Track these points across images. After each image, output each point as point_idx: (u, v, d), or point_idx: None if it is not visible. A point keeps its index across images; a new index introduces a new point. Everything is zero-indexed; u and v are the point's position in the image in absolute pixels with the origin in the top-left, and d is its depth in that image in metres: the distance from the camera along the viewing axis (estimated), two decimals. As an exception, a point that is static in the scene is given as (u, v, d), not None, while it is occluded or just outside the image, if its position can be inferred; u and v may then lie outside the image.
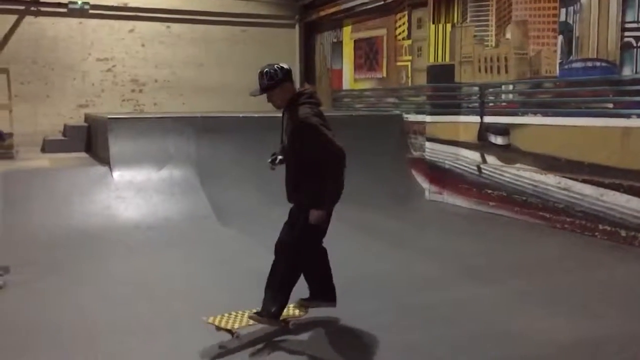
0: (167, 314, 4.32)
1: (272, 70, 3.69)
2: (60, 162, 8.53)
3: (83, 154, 9.69)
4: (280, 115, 3.93)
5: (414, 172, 9.56)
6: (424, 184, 9.34)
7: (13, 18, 10.76)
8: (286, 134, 3.79)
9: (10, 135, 4.49)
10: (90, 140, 10.00)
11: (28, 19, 10.80)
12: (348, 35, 11.71)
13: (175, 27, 12.06)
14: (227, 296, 4.61)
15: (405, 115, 9.92)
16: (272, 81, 3.68)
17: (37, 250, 5.91)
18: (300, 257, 3.84)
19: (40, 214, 6.68)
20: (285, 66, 3.76)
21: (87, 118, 10.76)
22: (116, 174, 7.60)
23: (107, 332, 3.96)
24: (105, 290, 4.83)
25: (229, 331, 3.69)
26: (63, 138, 10.42)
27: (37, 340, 3.86)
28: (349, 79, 11.75)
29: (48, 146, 10.00)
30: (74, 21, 11.17)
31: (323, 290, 4.07)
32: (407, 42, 9.93)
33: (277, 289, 3.77)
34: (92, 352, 3.68)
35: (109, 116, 8.32)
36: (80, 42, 11.29)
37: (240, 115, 9.10)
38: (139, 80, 11.89)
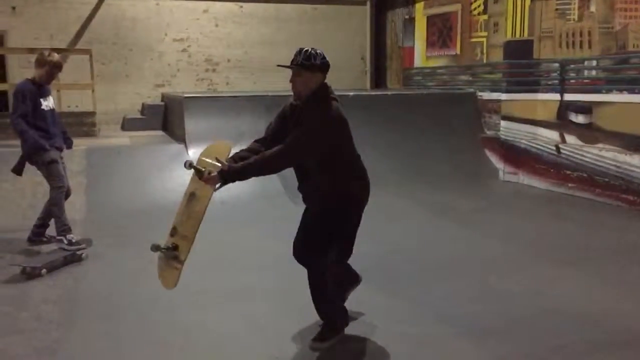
0: (242, 287, 4.45)
1: (313, 52, 3.36)
2: (139, 140, 8.87)
3: (160, 132, 10.03)
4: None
5: (487, 152, 9.30)
6: (498, 164, 9.08)
7: (95, 0, 11.19)
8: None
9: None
10: (167, 118, 10.32)
11: (108, 0, 11.21)
12: (420, 11, 11.44)
13: (248, 6, 12.18)
14: (300, 271, 4.67)
15: (479, 93, 9.63)
16: (309, 62, 3.32)
17: (119, 223, 6.20)
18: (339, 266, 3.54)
19: (121, 189, 6.98)
20: (327, 59, 3.42)
21: (164, 97, 11.11)
22: (191, 152, 7.82)
23: (183, 303, 4.11)
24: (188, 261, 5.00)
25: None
26: (141, 116, 10.81)
27: (118, 308, 4.06)
28: (420, 57, 11.51)
29: (128, 124, 10.42)
30: (151, 2, 11.49)
31: (347, 277, 3.77)
32: (483, 17, 9.60)
33: (331, 301, 3.50)
34: (169, 320, 3.85)
35: (185, 95, 8.56)
36: (157, 23, 11.62)
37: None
38: (212, 60, 12.13)
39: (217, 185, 3.24)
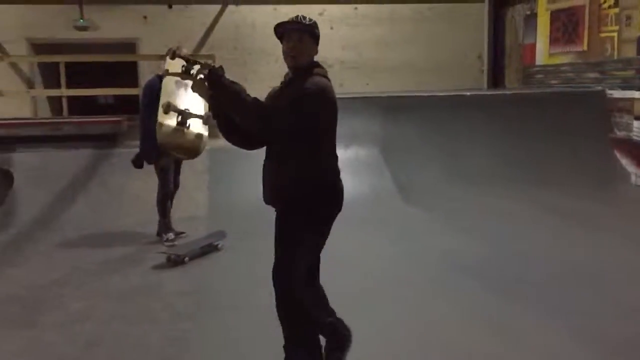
0: (358, 288, 4.44)
1: (314, 21, 3.04)
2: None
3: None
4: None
5: (617, 154, 8.64)
6: (630, 167, 8.40)
7: (217, 8, 11.76)
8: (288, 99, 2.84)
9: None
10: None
11: (230, 8, 11.73)
12: (543, 6, 10.86)
13: (363, 8, 12.22)
14: (416, 273, 4.61)
15: (608, 92, 8.97)
16: (314, 29, 3.00)
17: (240, 219, 6.43)
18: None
19: (241, 188, 7.25)
20: None
21: (280, 99, 11.41)
22: (306, 152, 7.98)
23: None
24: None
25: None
26: (259, 118, 11.19)
27: (244, 301, 4.22)
28: (543, 54, 10.92)
29: (246, 126, 10.83)
30: (269, 8, 11.86)
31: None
32: (614, 11, 8.93)
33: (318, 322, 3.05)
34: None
35: (300, 97, 8.73)
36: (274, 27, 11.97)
37: (425, 94, 8.98)
38: (326, 62, 12.16)
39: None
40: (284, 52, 2.92)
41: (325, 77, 2.95)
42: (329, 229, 3.00)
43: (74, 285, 4.66)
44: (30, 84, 11.22)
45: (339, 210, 3.00)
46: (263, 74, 12.00)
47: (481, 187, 7.48)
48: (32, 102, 11.19)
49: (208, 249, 5.45)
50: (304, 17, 2.99)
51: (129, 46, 11.52)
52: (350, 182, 7.49)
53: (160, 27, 11.53)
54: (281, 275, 2.99)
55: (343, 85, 12.25)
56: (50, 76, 11.20)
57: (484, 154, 8.17)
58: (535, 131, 8.50)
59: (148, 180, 6.62)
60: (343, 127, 8.01)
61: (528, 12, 11.37)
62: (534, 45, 11.18)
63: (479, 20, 12.54)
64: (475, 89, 11.54)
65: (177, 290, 4.57)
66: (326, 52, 12.12)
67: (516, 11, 11.86)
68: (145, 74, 11.46)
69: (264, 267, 4.88)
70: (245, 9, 11.80)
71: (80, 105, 11.64)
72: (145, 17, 11.52)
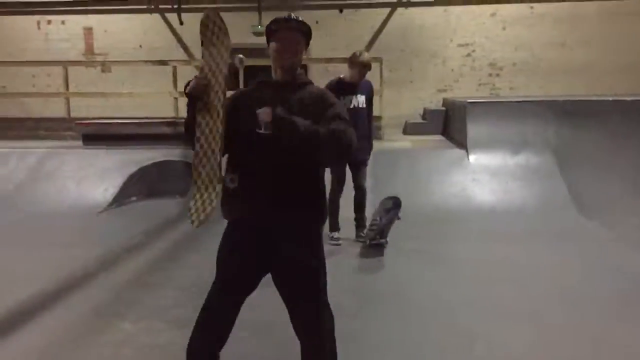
0: (528, 301, 4.20)
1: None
2: (420, 144, 9.11)
3: (439, 137, 10.14)
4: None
5: None
6: None
7: (386, 11, 11.85)
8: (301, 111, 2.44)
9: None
10: (448, 123, 10.38)
11: (399, 10, 11.76)
12: None
13: (539, 7, 11.55)
14: (602, 295, 4.24)
15: None
16: (310, 33, 2.60)
17: (402, 225, 6.40)
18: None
19: (404, 191, 7.19)
20: None
21: (445, 102, 11.20)
22: (472, 157, 7.73)
23: (467, 313, 4.03)
24: (463, 270, 4.96)
25: None
26: (422, 121, 11.09)
27: (405, 304, 4.19)
28: None
29: (409, 128, 10.78)
30: (439, 9, 11.70)
31: None
32: None
33: None
34: (451, 325, 3.82)
35: (468, 100, 8.49)
36: (444, 29, 11.79)
37: (609, 98, 8.24)
38: (496, 64, 11.83)
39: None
40: (279, 51, 2.51)
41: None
42: None
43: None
44: (212, 86, 12.22)
45: None
46: (430, 76, 11.88)
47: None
48: (213, 103, 12.17)
49: (373, 242, 5.54)
50: (295, 17, 2.59)
51: (300, 50, 12.05)
52: (521, 189, 7.22)
53: (330, 31, 11.90)
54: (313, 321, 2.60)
55: (514, 88, 11.76)
56: (229, 78, 12.10)
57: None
58: None
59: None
60: (512, 131, 7.79)
61: None
62: None
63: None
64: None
65: (341, 287, 4.66)
66: (496, 54, 11.70)
67: None
68: (314, 76, 11.89)
69: (417, 274, 4.89)
70: (414, 11, 11.75)
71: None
72: (317, 22, 11.96)
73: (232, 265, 2.53)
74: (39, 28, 12.22)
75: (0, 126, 10.49)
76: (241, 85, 9.67)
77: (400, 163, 7.82)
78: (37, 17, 12.28)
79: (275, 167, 2.42)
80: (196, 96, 2.49)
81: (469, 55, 11.82)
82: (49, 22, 12.35)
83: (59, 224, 6.49)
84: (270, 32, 2.57)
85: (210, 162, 2.48)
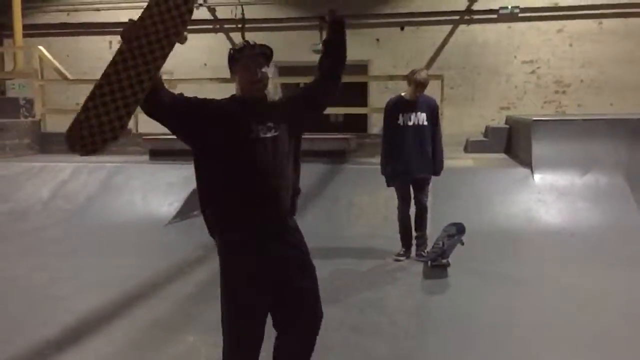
0: (597, 328, 4.02)
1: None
2: (482, 162, 8.93)
3: (502, 155, 9.90)
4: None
5: None
6: None
7: (448, 28, 11.76)
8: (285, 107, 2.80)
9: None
10: (511, 141, 10.14)
11: (461, 27, 11.65)
12: None
13: (608, 22, 11.18)
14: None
15: None
16: (271, 55, 2.81)
17: (465, 246, 6.26)
18: None
19: (466, 210, 7.08)
20: None
21: (508, 120, 10.95)
22: (537, 177, 7.50)
23: (530, 337, 3.90)
24: (528, 294, 4.80)
25: None
26: (484, 139, 10.86)
27: (470, 328, 4.08)
28: None
29: (471, 146, 10.58)
30: (503, 26, 11.52)
31: None
32: None
33: None
34: (515, 353, 3.70)
35: (534, 118, 8.27)
36: (507, 46, 11.58)
37: (686, 116, 7.86)
38: (562, 82, 11.50)
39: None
40: (251, 80, 2.67)
41: None
42: None
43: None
44: (273, 103, 12.43)
45: None
46: (492, 94, 11.68)
47: None
48: (274, 119, 12.38)
49: (434, 262, 5.47)
50: (256, 44, 2.75)
51: (361, 67, 12.10)
52: (589, 210, 6.95)
53: (391, 49, 11.93)
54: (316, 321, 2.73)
55: (582, 105, 11.40)
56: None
57: None
58: None
59: (375, 195, 6.82)
60: (581, 150, 7.53)
61: None
62: None
63: None
64: None
65: (401, 307, 4.61)
66: (563, 71, 11.39)
67: None
68: (374, 93, 11.93)
69: (483, 297, 4.76)
70: (476, 27, 11.62)
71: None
72: (377, 40, 12.01)
73: (249, 293, 2.55)
74: (110, 47, 12.78)
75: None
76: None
77: (462, 181, 7.67)
78: (109, 37, 12.86)
79: (275, 168, 2.56)
80: (125, 37, 2.49)
81: (533, 72, 11.55)
82: (120, 42, 12.92)
83: (127, 236, 6.74)
84: (234, 60, 2.71)
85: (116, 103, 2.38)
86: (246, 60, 2.66)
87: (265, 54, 2.72)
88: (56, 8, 13.08)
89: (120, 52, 2.48)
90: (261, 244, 2.55)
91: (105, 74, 2.44)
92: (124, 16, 10.93)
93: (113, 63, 2.45)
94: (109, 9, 12.78)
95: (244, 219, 2.55)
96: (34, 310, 4.49)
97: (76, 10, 13.06)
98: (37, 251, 6.24)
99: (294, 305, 2.63)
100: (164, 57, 2.47)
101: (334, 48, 2.82)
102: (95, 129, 2.35)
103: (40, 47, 11.23)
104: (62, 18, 13.08)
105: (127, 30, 2.47)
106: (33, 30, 12.57)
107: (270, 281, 2.56)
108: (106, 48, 12.84)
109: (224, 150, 2.55)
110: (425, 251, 5.75)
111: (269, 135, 2.57)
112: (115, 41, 12.86)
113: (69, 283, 5.11)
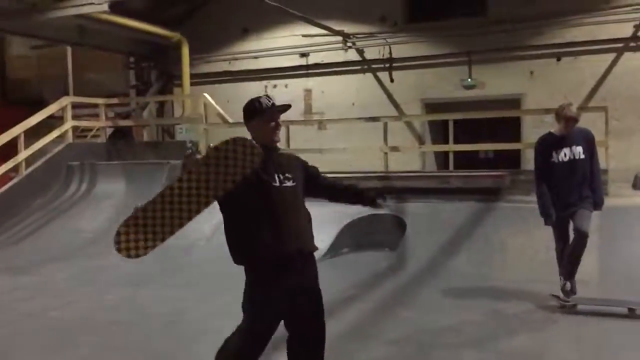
0: None
1: None
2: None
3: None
4: None
5: None
6: None
7: (609, 56, 10.94)
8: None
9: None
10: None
11: (627, 55, 10.78)
12: None
13: None
14: None
15: None
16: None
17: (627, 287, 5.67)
18: None
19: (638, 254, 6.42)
20: None
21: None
22: None
23: None
24: None
25: None
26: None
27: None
28: None
29: (640, 183, 9.65)
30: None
31: None
32: None
33: None
34: None
35: None
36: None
37: None
38: None
39: None
40: (274, 131, 3.10)
41: None
42: None
43: (466, 334, 4.78)
44: (420, 141, 12.35)
45: None
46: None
47: None
48: (421, 157, 12.28)
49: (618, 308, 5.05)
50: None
51: (513, 101, 11.64)
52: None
53: (545, 81, 11.35)
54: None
55: None
56: (436, 132, 12.15)
57: None
58: None
59: (533, 235, 6.44)
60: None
61: None
62: None
63: None
64: None
65: (563, 356, 4.25)
66: None
67: None
68: (528, 128, 11.36)
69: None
70: (644, 54, 10.69)
71: (461, 160, 12.21)
72: (531, 72, 11.51)
73: (269, 317, 3.11)
74: (265, 91, 13.62)
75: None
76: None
77: (632, 222, 6.99)
78: (265, 82, 13.73)
79: (296, 209, 3.11)
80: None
81: None
82: (275, 86, 13.73)
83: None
84: (258, 110, 3.07)
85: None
86: (274, 114, 3.07)
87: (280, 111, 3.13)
88: (218, 57, 14.25)
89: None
90: (286, 273, 3.08)
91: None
92: (279, 62, 11.65)
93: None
94: (265, 56, 13.68)
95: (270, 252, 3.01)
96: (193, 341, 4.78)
97: (235, 59, 14.13)
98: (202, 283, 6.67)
99: (305, 324, 3.20)
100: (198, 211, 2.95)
101: (346, 201, 3.74)
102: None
103: (206, 95, 12.26)
104: (224, 67, 14.21)
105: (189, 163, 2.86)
106: (198, 79, 13.82)
107: (290, 305, 3.09)
108: (262, 91, 13.69)
109: (251, 195, 2.95)
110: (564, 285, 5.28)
111: (288, 184, 3.05)
112: (270, 85, 13.73)
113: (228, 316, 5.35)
